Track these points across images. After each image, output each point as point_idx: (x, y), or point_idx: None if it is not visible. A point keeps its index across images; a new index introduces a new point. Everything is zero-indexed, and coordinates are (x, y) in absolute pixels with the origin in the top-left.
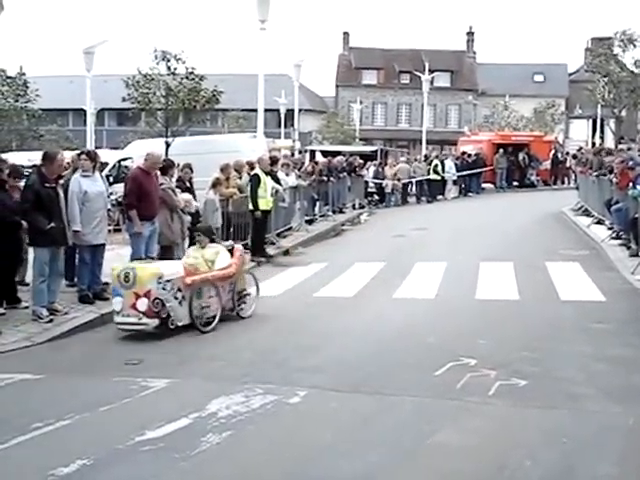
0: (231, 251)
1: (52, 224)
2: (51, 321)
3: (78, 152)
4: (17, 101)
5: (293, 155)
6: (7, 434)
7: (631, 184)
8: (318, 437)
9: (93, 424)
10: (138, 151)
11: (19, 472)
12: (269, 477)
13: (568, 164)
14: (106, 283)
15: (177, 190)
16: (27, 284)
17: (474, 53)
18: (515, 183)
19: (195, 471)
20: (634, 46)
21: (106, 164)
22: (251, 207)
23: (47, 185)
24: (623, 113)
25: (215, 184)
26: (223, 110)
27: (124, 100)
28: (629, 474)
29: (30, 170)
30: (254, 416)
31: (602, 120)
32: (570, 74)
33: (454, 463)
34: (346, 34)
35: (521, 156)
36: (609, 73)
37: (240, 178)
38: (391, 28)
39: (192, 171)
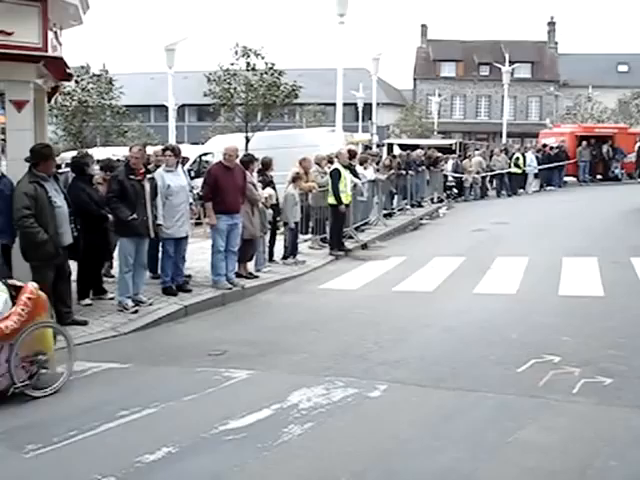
0: (14, 294)
1: (134, 215)
2: (136, 312)
3: (162, 147)
4: (103, 98)
5: (371, 148)
6: (94, 421)
7: None
8: (399, 431)
9: (178, 413)
10: (218, 146)
11: (106, 458)
12: (350, 469)
13: None
14: (189, 275)
15: (258, 185)
16: (112, 276)
17: (556, 43)
18: (599, 176)
19: (277, 461)
20: None
21: (187, 159)
22: (331, 201)
23: (132, 177)
24: None
25: (295, 178)
26: (301, 104)
27: (205, 95)
28: None
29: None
30: (335, 409)
31: None
32: None
33: (537, 461)
34: (424, 26)
35: (605, 149)
36: None
37: (325, 173)
38: (470, 19)
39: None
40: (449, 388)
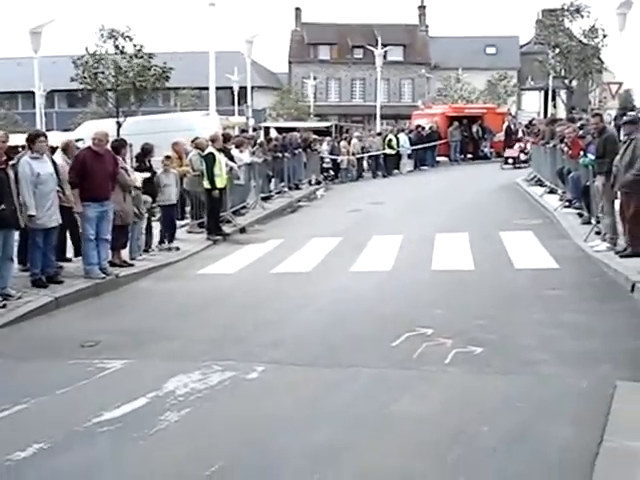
0: None
1: (2, 206)
2: (4, 306)
3: (32, 134)
4: None
5: (247, 132)
6: None
7: (582, 152)
8: (277, 411)
9: (50, 407)
10: (89, 132)
11: None
12: (229, 452)
13: (520, 135)
14: (60, 267)
15: (130, 169)
16: None
17: (426, 27)
18: (469, 155)
19: (155, 449)
20: (582, 16)
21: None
22: (207, 185)
23: None
24: (574, 84)
25: (164, 161)
26: (175, 89)
27: (73, 80)
28: (583, 436)
29: None
30: (212, 393)
31: (554, 91)
32: (521, 46)
33: (413, 431)
34: (298, 9)
35: (475, 128)
36: (558, 44)
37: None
38: (343, 3)
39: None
40: (325, 365)
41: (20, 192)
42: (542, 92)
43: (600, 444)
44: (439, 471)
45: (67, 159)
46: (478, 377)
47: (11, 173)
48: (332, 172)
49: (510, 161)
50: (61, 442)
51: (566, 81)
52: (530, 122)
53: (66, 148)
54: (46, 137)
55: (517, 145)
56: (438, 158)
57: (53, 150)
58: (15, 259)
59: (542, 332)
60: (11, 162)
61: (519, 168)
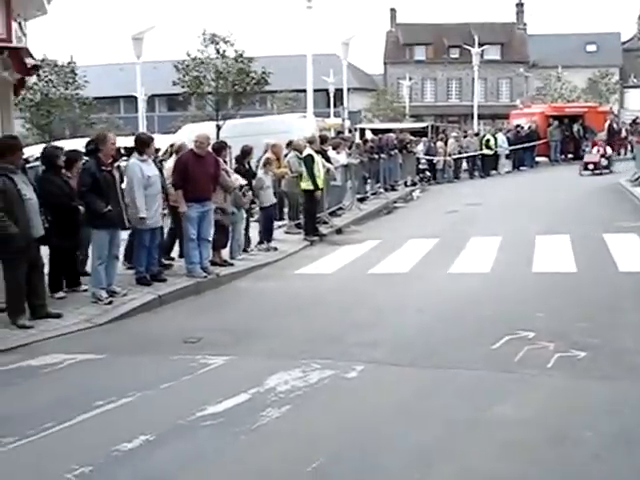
0: None
1: (109, 207)
2: (110, 303)
3: (143, 138)
4: (67, 89)
5: (343, 133)
6: (71, 412)
7: None
8: (376, 411)
9: (154, 401)
10: (189, 135)
11: (82, 449)
12: (327, 451)
13: (624, 134)
14: (169, 265)
15: (230, 171)
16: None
17: (524, 24)
18: (570, 155)
19: (256, 444)
20: None
21: (159, 149)
22: (305, 186)
23: (103, 169)
24: None
25: (265, 164)
26: (272, 92)
27: (174, 84)
28: None
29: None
30: (312, 391)
31: None
32: (623, 43)
33: (514, 435)
34: (393, 10)
35: (575, 128)
36: None
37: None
38: (438, 2)
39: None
40: (425, 366)
41: (129, 194)
42: None
43: None
44: (541, 476)
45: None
46: (581, 382)
47: (117, 175)
48: (428, 173)
49: (590, 167)
50: (165, 435)
51: None
52: (634, 120)
53: (179, 151)
54: (153, 141)
55: (595, 149)
56: (538, 158)
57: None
58: (121, 257)
59: None
60: (116, 164)
61: (600, 174)
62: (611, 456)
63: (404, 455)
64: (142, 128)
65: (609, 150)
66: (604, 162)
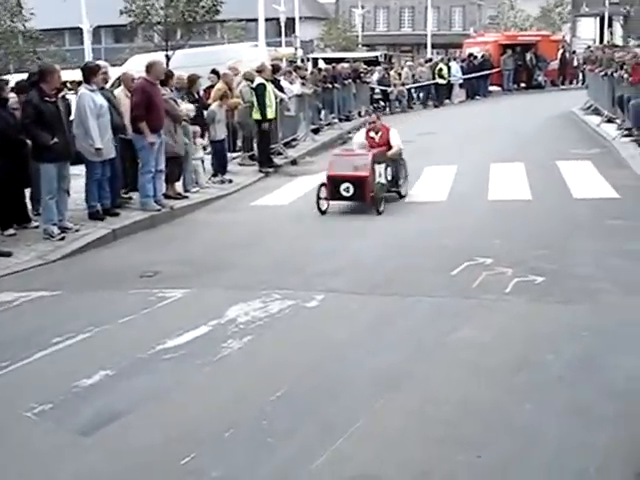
0: None
1: (55, 139)
2: (63, 239)
3: (90, 67)
4: (12, 22)
5: (295, 63)
6: (28, 350)
7: None
8: (337, 338)
9: (113, 336)
10: (138, 66)
11: (41, 387)
12: (292, 377)
13: (576, 63)
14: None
15: (179, 100)
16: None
17: None
18: (523, 84)
19: (218, 375)
20: None
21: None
22: (257, 117)
23: (47, 100)
24: (632, 10)
25: (222, 96)
26: (222, 21)
27: (121, 14)
28: None
29: None
30: (273, 321)
31: (610, 18)
32: None
33: (476, 359)
34: None
35: (528, 56)
36: None
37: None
38: None
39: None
40: (385, 294)
41: (81, 125)
42: (598, 18)
43: None
44: (503, 397)
45: (126, 92)
46: (540, 306)
47: (61, 106)
48: (382, 103)
49: None
50: (126, 369)
51: (625, 7)
52: (587, 48)
53: (125, 80)
54: (102, 70)
55: None
56: (491, 87)
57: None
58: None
59: (604, 262)
60: (61, 94)
61: None
62: (574, 378)
63: (368, 381)
64: (88, 60)
65: None
66: None
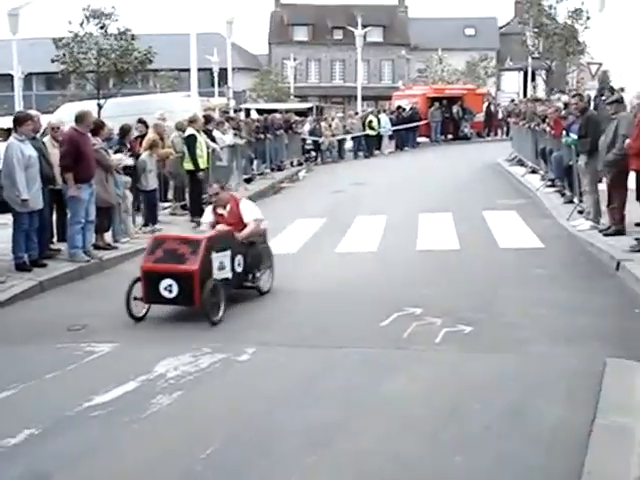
0: None
1: None
2: None
3: (20, 116)
4: None
5: (228, 113)
6: None
7: (564, 132)
8: (269, 392)
9: (39, 392)
10: (69, 114)
11: None
12: (224, 432)
13: (500, 116)
14: (57, 249)
15: (110, 150)
16: None
17: (406, 7)
18: (450, 136)
19: (149, 433)
20: None
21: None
22: (189, 167)
23: None
24: (553, 65)
25: (151, 145)
26: (155, 70)
27: (53, 62)
28: (576, 413)
29: None
30: (203, 375)
31: (533, 72)
32: (500, 27)
33: (406, 410)
34: None
35: (455, 109)
36: (542, 24)
37: (187, 138)
38: None
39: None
40: (316, 346)
41: (8, 176)
42: (521, 73)
43: (593, 422)
44: (434, 450)
45: (54, 142)
46: (469, 356)
47: None
48: (314, 153)
49: None
50: (52, 427)
51: (546, 62)
52: (512, 101)
53: (52, 129)
54: (33, 120)
55: None
56: (419, 139)
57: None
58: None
59: (530, 311)
60: None
61: None
62: (501, 427)
63: (300, 437)
64: (19, 107)
65: None
66: None
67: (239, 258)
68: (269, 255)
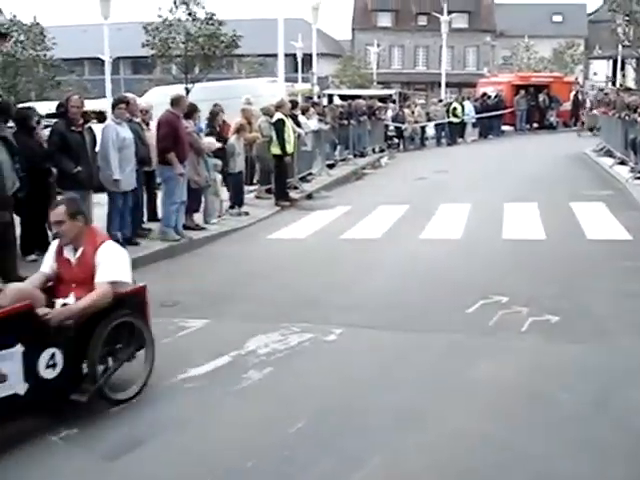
0: None
1: (79, 168)
2: None
3: (116, 99)
4: (35, 50)
5: (312, 99)
6: None
7: None
8: (357, 373)
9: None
10: (157, 98)
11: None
12: (312, 410)
13: (588, 105)
14: (149, 229)
15: (201, 134)
16: None
17: None
18: (535, 125)
19: (240, 405)
20: None
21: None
22: (276, 151)
23: (73, 129)
24: None
25: (239, 129)
26: (240, 56)
27: (143, 46)
28: None
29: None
30: (292, 353)
31: (623, 60)
32: (589, 14)
33: (493, 396)
34: None
35: (541, 97)
36: (631, 12)
37: (276, 123)
38: None
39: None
40: (402, 330)
41: (103, 156)
42: (610, 61)
43: None
44: (522, 435)
45: (143, 125)
46: (555, 346)
47: (87, 136)
48: (396, 140)
49: None
50: (149, 397)
51: (637, 50)
52: (601, 90)
53: (144, 113)
54: (128, 103)
55: None
56: (504, 127)
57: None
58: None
59: (617, 303)
60: (87, 125)
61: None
62: (587, 416)
63: (387, 416)
64: (108, 91)
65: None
66: None
67: (50, 355)
68: (138, 336)
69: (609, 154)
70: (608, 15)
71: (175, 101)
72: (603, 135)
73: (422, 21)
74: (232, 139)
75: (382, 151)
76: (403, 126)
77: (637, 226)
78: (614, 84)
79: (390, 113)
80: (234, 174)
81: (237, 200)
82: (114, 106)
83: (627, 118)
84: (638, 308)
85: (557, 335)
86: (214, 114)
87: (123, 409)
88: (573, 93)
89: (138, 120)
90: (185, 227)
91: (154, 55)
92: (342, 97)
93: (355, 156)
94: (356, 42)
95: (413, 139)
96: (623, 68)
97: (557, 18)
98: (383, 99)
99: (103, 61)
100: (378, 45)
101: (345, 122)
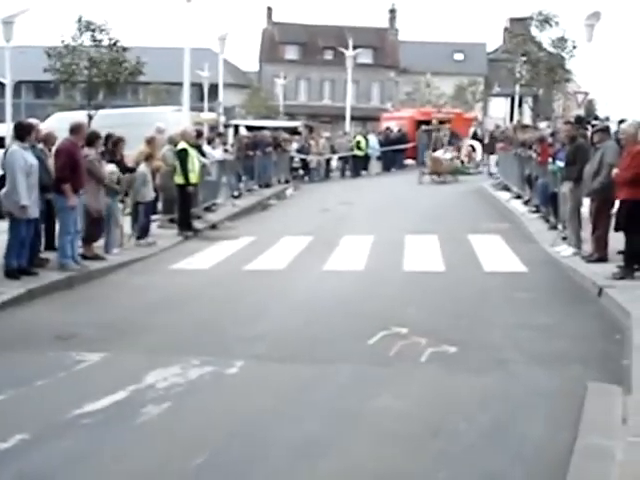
0: None
1: None
2: None
3: (24, 124)
4: None
5: (217, 129)
6: None
7: (551, 159)
8: (258, 406)
9: (29, 399)
10: (59, 123)
11: None
12: (212, 445)
13: (487, 141)
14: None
15: (102, 162)
16: None
17: (396, 30)
18: None
19: (137, 442)
20: (550, 26)
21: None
22: (179, 181)
23: None
24: (540, 92)
25: (147, 157)
26: (145, 83)
27: (45, 71)
28: (558, 434)
29: None
30: (192, 387)
31: (520, 98)
32: (489, 53)
33: (393, 426)
34: (270, 9)
35: (442, 133)
36: (527, 52)
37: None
38: (314, 3)
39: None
40: (305, 361)
41: (10, 182)
42: (509, 99)
43: (574, 442)
44: (421, 466)
45: (47, 151)
46: (453, 376)
47: None
48: (301, 171)
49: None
50: (43, 434)
51: (533, 89)
52: (497, 127)
53: (47, 139)
54: (33, 129)
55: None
56: (406, 161)
57: None
58: None
59: (513, 333)
60: None
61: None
62: (485, 445)
63: (288, 449)
64: (8, 115)
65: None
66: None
67: None
68: None
69: (506, 188)
70: (506, 55)
71: (74, 129)
72: (500, 170)
73: (329, 55)
74: (142, 167)
75: (287, 182)
76: (308, 158)
77: (532, 258)
78: (511, 120)
79: (295, 145)
80: (145, 202)
81: (143, 230)
82: (27, 132)
83: (522, 154)
84: (533, 338)
85: (455, 365)
86: (116, 143)
87: (15, 446)
88: (472, 129)
89: (41, 146)
90: (85, 257)
91: (57, 80)
92: (248, 128)
93: (260, 187)
94: (263, 73)
95: (318, 171)
96: (520, 105)
97: (458, 56)
98: (292, 131)
99: (4, 84)
100: (285, 77)
101: (251, 153)
